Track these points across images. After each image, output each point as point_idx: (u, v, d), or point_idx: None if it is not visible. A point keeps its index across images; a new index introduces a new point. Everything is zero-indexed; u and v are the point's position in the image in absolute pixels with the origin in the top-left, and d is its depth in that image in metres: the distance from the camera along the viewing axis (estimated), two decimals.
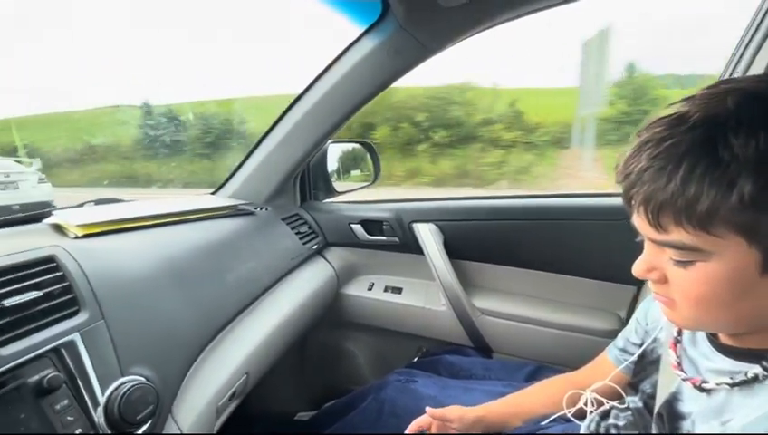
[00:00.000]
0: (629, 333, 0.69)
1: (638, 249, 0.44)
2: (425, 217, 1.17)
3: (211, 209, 1.04)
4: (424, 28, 0.88)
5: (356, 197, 1.42)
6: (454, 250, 1.15)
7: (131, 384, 0.57)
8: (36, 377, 0.50)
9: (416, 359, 1.25)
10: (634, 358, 0.65)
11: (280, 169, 1.14)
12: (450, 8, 0.83)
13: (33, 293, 0.54)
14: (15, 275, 0.55)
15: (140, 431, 0.57)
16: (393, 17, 0.89)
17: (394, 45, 0.92)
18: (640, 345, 0.65)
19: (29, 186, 6.05)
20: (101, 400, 0.55)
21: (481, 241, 1.14)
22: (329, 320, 1.26)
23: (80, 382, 0.54)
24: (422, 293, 1.21)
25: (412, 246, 1.19)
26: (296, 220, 1.21)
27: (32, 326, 0.53)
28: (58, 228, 0.81)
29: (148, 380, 0.60)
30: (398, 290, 1.24)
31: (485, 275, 1.17)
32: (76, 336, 0.56)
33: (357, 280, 1.30)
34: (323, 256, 1.26)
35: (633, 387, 0.63)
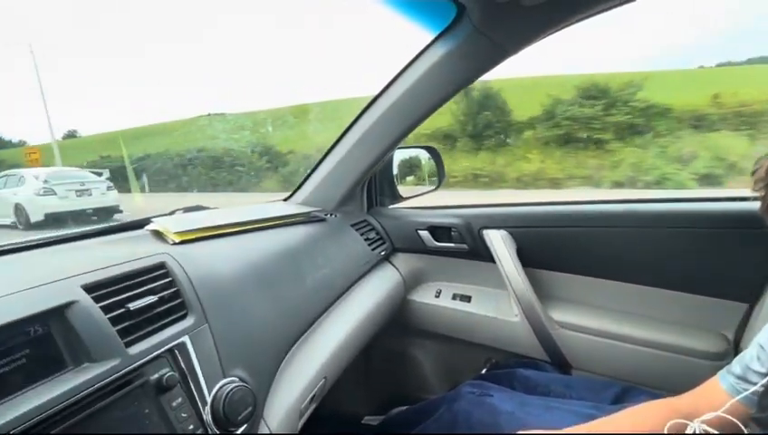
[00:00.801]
0: (751, 360, 0.61)
1: (752, 261, 0.39)
2: (496, 223, 1.14)
3: (287, 217, 1.10)
4: (501, 29, 0.86)
5: (419, 202, 1.42)
6: (527, 258, 1.11)
7: (234, 385, 0.62)
8: (156, 375, 0.56)
9: (484, 370, 1.23)
10: (757, 388, 0.58)
11: (350, 175, 1.18)
12: (531, 7, 0.80)
13: (151, 297, 0.61)
14: (135, 281, 0.62)
15: (239, 431, 0.62)
16: (468, 21, 0.88)
17: (469, 49, 0.91)
18: (766, 375, 0.58)
19: (99, 193, 7.38)
20: (208, 399, 0.60)
21: (559, 249, 1.08)
22: (394, 326, 1.27)
23: (190, 382, 0.59)
24: (492, 302, 1.18)
25: (482, 254, 1.16)
26: (364, 226, 1.24)
27: (151, 328, 0.59)
28: (158, 235, 0.91)
29: (244, 382, 0.65)
30: (466, 298, 1.22)
31: (564, 285, 1.11)
32: (186, 339, 0.61)
33: (424, 287, 1.30)
34: (391, 262, 1.28)
35: (760, 423, 0.56)
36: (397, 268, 1.27)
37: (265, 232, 1.00)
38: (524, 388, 0.99)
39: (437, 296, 1.26)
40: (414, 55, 1.00)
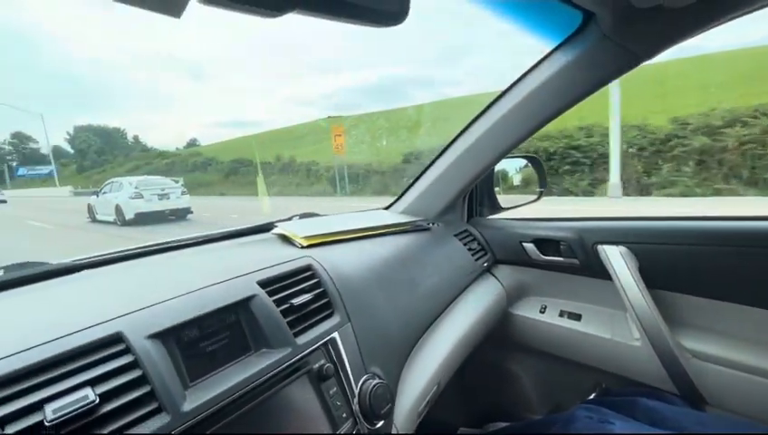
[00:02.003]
0: None
1: None
2: (613, 238, 1.09)
3: (395, 225, 1.16)
4: (636, 35, 0.84)
5: (515, 214, 1.41)
6: (650, 278, 1.04)
7: (376, 381, 0.67)
8: (317, 365, 0.64)
9: (593, 395, 1.17)
10: None
11: (455, 184, 1.21)
12: (675, 10, 0.77)
13: (306, 295, 0.69)
14: (292, 280, 0.71)
15: (379, 425, 0.67)
16: (596, 27, 0.87)
17: (596, 56, 0.89)
18: None
19: (175, 197, 9.34)
20: (356, 391, 0.66)
21: (690, 270, 1.00)
22: (494, 339, 1.27)
23: (341, 374, 0.66)
24: (607, 322, 1.13)
25: (595, 270, 1.12)
26: (466, 236, 1.26)
27: (309, 323, 0.67)
28: (285, 239, 1.01)
29: (382, 379, 0.70)
30: (575, 316, 1.18)
31: (696, 310, 1.02)
32: (336, 335, 0.69)
33: (527, 301, 1.28)
34: (492, 274, 1.28)
35: None
36: (499, 280, 1.26)
37: (378, 239, 1.07)
38: (649, 420, 0.93)
39: (542, 312, 1.23)
40: (532, 64, 1.01)
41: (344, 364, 0.67)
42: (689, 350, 0.99)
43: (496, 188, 1.62)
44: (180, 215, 9.39)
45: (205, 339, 0.55)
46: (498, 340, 1.28)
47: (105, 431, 0.41)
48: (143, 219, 8.77)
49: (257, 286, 0.64)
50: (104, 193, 9.88)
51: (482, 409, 1.35)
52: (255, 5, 0.31)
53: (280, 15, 0.32)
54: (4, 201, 23.48)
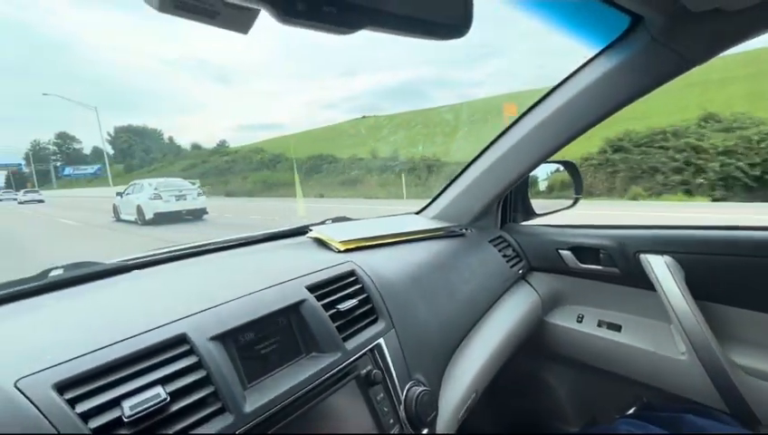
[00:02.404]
0: None
1: None
2: (657, 247, 1.06)
3: (429, 230, 1.16)
4: (689, 39, 0.82)
5: (550, 220, 1.39)
6: (697, 289, 1.01)
7: (422, 388, 0.68)
8: (364, 371, 0.64)
9: (633, 409, 1.14)
10: None
11: (491, 190, 1.20)
12: (730, 13, 0.75)
13: (352, 301, 0.70)
14: (337, 285, 0.72)
15: (424, 432, 0.67)
16: (644, 31, 0.86)
17: (644, 60, 0.88)
18: None
19: (191, 198, 9.85)
20: (402, 398, 0.66)
21: (744, 283, 0.96)
22: (528, 347, 1.25)
23: (387, 380, 0.66)
24: (649, 334, 1.10)
25: (637, 280, 1.09)
26: (501, 243, 1.25)
27: (356, 328, 0.68)
28: (321, 242, 1.03)
29: (425, 386, 0.70)
30: (615, 327, 1.15)
31: (750, 325, 0.98)
32: (382, 341, 0.69)
33: (563, 309, 1.26)
34: (527, 281, 1.26)
35: None
36: (534, 288, 1.25)
37: (413, 244, 1.07)
38: None
39: (579, 321, 1.21)
40: (575, 68, 1.00)
41: (390, 370, 0.67)
42: (741, 366, 0.96)
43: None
44: (197, 215, 9.94)
45: (259, 342, 0.56)
46: (532, 349, 1.26)
47: (175, 429, 0.42)
48: (161, 219, 9.27)
49: (306, 291, 0.65)
50: (127, 194, 10.44)
51: (515, 419, 1.33)
52: (332, 24, 0.32)
53: (353, 32, 0.33)
54: (42, 200, 25.28)
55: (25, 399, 0.37)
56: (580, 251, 1.18)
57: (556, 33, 0.96)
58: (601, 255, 1.14)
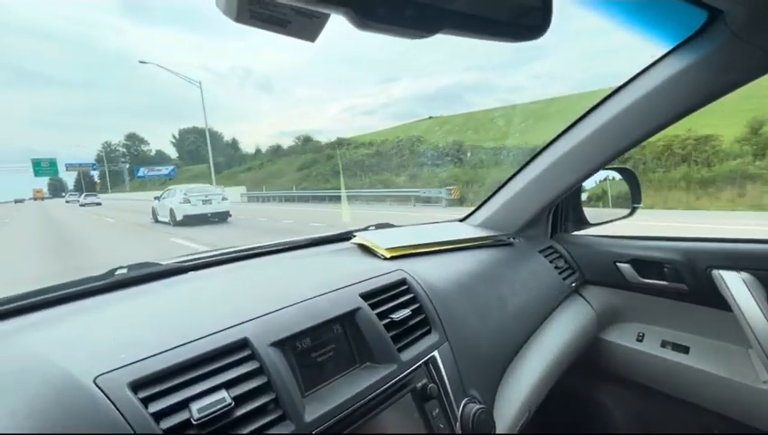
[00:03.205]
0: None
1: None
2: (732, 263, 0.98)
3: (476, 239, 1.13)
4: None
5: (606, 230, 1.32)
6: None
7: (478, 406, 0.65)
8: (420, 384, 0.62)
9: None
10: None
11: (542, 198, 1.16)
12: None
13: (405, 311, 0.68)
14: (389, 294, 0.70)
15: None
16: (723, 27, 0.80)
17: (723, 58, 0.82)
18: None
19: (217, 202, 10.97)
20: (457, 414, 0.64)
21: None
22: (583, 366, 1.18)
23: (443, 395, 0.64)
24: (722, 358, 1.01)
25: (708, 298, 1.01)
26: (552, 253, 1.20)
27: (410, 339, 0.66)
28: (365, 249, 1.02)
29: (481, 403, 0.67)
30: (682, 348, 1.07)
31: None
32: (436, 353, 0.67)
33: (621, 327, 1.18)
34: (581, 295, 1.20)
35: None
36: (588, 302, 1.18)
37: (460, 253, 1.05)
38: None
39: (640, 340, 1.13)
40: (641, 68, 0.95)
41: (445, 385, 0.65)
42: None
43: None
44: (221, 218, 11.21)
45: (316, 349, 0.56)
46: (587, 367, 1.20)
47: None
48: (190, 220, 10.53)
49: (360, 299, 0.64)
50: (164, 198, 11.87)
51: None
52: (411, 27, 0.32)
53: (430, 36, 0.33)
54: (99, 203, 30.03)
55: (103, 396, 0.38)
56: (641, 264, 1.11)
57: (622, 30, 0.92)
58: (666, 269, 1.07)
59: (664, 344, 1.09)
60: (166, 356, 0.44)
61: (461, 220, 1.36)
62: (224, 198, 11.53)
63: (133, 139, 66.67)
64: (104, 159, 61.63)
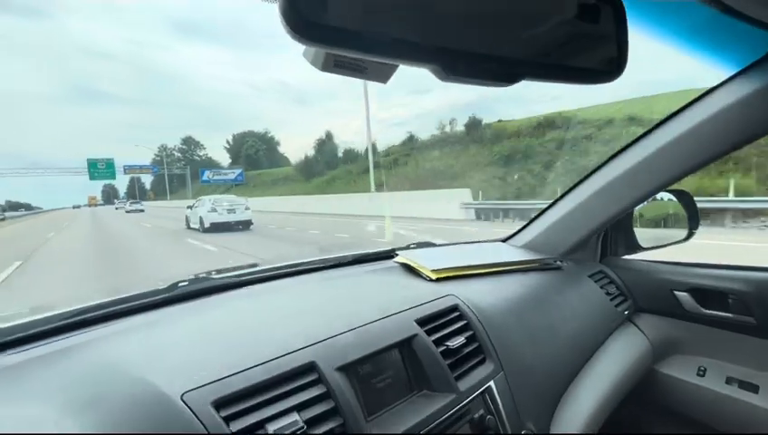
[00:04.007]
0: None
1: None
2: None
3: (523, 262, 1.12)
4: None
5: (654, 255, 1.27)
6: None
7: None
8: (477, 415, 0.61)
9: None
10: None
11: (593, 220, 1.13)
12: None
13: (460, 338, 0.68)
14: (442, 321, 0.70)
15: None
16: None
17: None
18: None
19: (240, 211, 12.57)
20: None
21: None
22: (637, 399, 1.13)
23: (500, 427, 0.63)
24: None
25: None
26: (602, 278, 1.16)
27: (466, 368, 0.66)
28: (409, 268, 1.02)
29: None
30: (751, 387, 1.00)
31: None
32: (492, 384, 0.66)
33: (678, 359, 1.13)
34: (634, 323, 1.16)
35: None
36: (642, 332, 1.14)
37: (507, 276, 1.03)
38: None
39: (701, 375, 1.07)
40: (703, 91, 0.92)
41: (502, 417, 0.64)
42: None
43: None
44: (244, 225, 12.56)
45: (375, 375, 0.56)
46: (642, 401, 1.14)
47: None
48: (216, 228, 11.90)
49: (416, 325, 0.64)
50: (195, 207, 13.42)
51: None
52: (491, 79, 0.35)
53: (511, 85, 0.36)
54: (142, 210, 33.81)
55: (191, 412, 0.40)
56: (702, 294, 1.06)
57: (684, 55, 0.90)
58: (731, 300, 1.01)
59: (729, 381, 1.03)
60: (242, 377, 0.46)
61: (504, 241, 1.34)
62: (246, 208, 12.90)
63: (189, 142, 60.89)
64: (163, 161, 55.23)
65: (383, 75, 0.39)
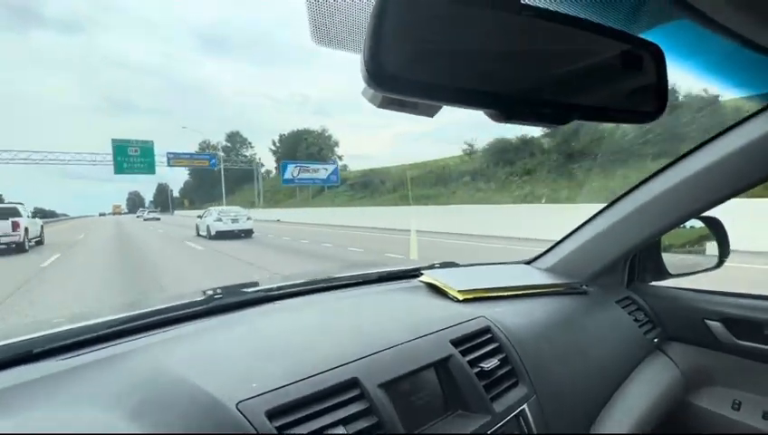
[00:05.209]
0: None
1: None
2: None
3: (550, 286, 1.13)
4: None
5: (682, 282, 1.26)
6: None
7: None
8: None
9: None
10: None
11: (621, 245, 1.14)
12: None
13: (494, 360, 0.69)
14: (476, 342, 0.72)
15: None
16: None
17: None
18: None
19: (243, 221, 14.40)
20: None
21: None
22: (670, 431, 1.11)
23: None
24: None
25: None
26: (629, 304, 1.17)
27: (500, 390, 0.67)
28: (435, 289, 1.04)
29: None
30: None
31: None
32: (526, 407, 0.67)
33: (712, 392, 1.11)
34: (664, 352, 1.15)
35: None
36: (673, 361, 1.13)
37: (534, 299, 1.04)
38: None
39: (736, 409, 1.06)
40: (739, 119, 0.94)
41: None
42: None
43: None
44: (247, 234, 14.39)
45: (413, 393, 0.58)
46: (675, 433, 1.13)
47: None
48: (221, 235, 13.71)
49: (451, 346, 0.66)
50: (204, 217, 15.34)
51: None
52: (546, 121, 0.39)
53: (564, 125, 0.40)
54: (158, 218, 36.91)
55: (246, 421, 0.43)
56: (736, 324, 1.06)
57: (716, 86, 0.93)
58: (767, 332, 1.01)
59: (766, 416, 1.02)
60: (292, 389, 0.49)
61: (528, 262, 1.35)
62: (248, 218, 14.71)
63: (234, 139, 50.04)
64: (220, 160, 38.93)
65: (432, 111, 0.43)
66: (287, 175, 30.85)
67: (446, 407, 0.61)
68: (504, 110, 0.35)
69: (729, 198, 0.97)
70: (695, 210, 1.01)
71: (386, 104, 0.40)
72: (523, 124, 0.38)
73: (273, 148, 45.09)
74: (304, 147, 40.56)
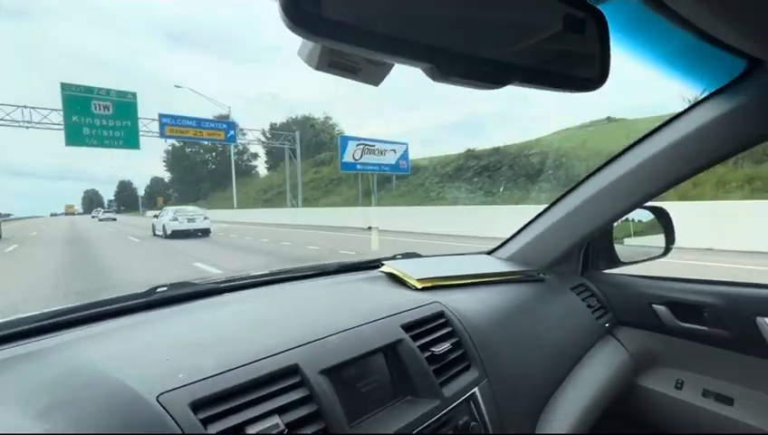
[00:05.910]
0: None
1: None
2: None
3: (507, 273, 1.15)
4: None
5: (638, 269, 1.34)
6: None
7: None
8: (462, 422, 0.63)
9: None
10: None
11: (574, 234, 1.18)
12: None
13: (446, 344, 0.70)
14: (428, 327, 0.72)
15: None
16: (764, 75, 0.85)
17: (761, 108, 0.87)
18: None
19: (199, 220, 14.64)
20: None
21: None
22: (618, 413, 1.17)
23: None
24: None
25: (754, 347, 1.01)
26: (583, 291, 1.21)
27: (450, 374, 0.67)
28: (394, 278, 1.04)
29: None
30: (726, 399, 1.06)
31: None
32: (476, 390, 0.68)
33: (658, 373, 1.18)
34: (614, 337, 1.21)
35: None
36: (623, 344, 1.18)
37: (491, 286, 1.06)
38: None
39: (679, 388, 1.12)
40: (681, 110, 0.99)
41: (486, 424, 0.66)
42: None
43: None
44: (204, 233, 14.59)
45: (359, 379, 0.57)
46: (622, 413, 1.18)
47: None
48: (177, 235, 13.76)
49: (402, 330, 0.66)
50: (160, 216, 15.47)
51: None
52: (484, 81, 0.37)
53: (501, 87, 0.39)
54: (114, 219, 38.03)
55: (167, 414, 0.40)
56: (679, 307, 1.12)
57: (660, 76, 0.98)
58: (706, 314, 1.08)
59: (705, 394, 1.09)
60: (222, 378, 0.46)
61: (488, 253, 1.38)
62: (205, 218, 14.96)
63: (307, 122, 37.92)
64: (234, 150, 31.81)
65: (375, 77, 0.41)
66: (346, 157, 20.57)
67: (395, 393, 0.61)
68: (441, 64, 0.34)
69: (676, 184, 1.02)
70: (643, 198, 1.06)
71: (325, 66, 0.38)
72: (461, 84, 0.36)
73: (264, 140, 30.45)
74: (311, 135, 32.10)
